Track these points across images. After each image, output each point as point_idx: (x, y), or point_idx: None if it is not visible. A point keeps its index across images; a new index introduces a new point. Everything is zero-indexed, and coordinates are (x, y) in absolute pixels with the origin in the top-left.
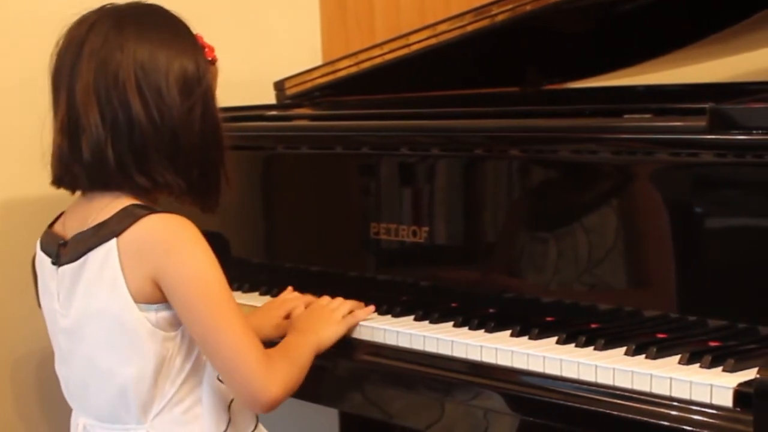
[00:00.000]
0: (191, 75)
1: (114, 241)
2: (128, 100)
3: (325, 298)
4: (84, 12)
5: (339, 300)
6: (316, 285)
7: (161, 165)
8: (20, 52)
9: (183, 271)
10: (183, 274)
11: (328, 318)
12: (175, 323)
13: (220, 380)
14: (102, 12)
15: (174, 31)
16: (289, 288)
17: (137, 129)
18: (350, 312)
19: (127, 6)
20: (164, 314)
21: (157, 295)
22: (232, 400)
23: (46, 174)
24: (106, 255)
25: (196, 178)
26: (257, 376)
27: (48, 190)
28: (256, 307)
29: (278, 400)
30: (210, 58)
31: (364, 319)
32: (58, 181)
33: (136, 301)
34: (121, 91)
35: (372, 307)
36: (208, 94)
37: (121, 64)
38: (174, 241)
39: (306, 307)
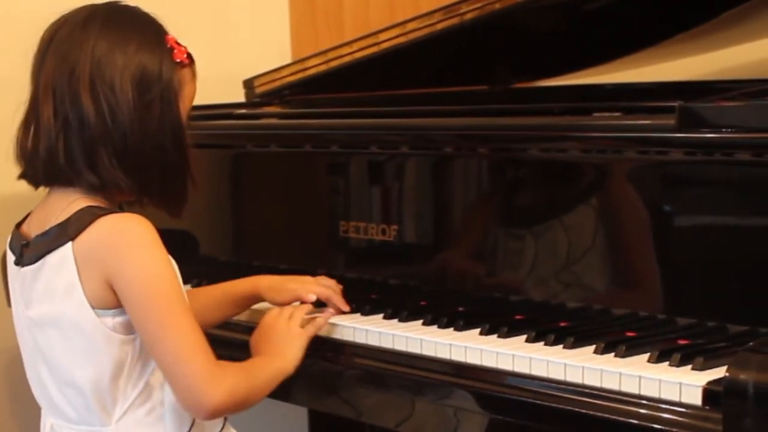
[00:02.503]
0: (150, 74)
1: (69, 245)
2: (80, 97)
3: (274, 309)
4: (64, 12)
5: (290, 309)
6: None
7: (110, 163)
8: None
9: (132, 271)
10: (132, 274)
11: (287, 334)
12: (133, 327)
13: None
14: (77, 10)
15: (140, 31)
16: None
17: (87, 126)
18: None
19: (102, 5)
20: (121, 319)
21: (113, 300)
22: None
23: (17, 170)
24: (62, 259)
25: (154, 180)
26: (200, 380)
27: (19, 186)
28: None
29: (220, 407)
30: (179, 60)
31: (323, 326)
32: (23, 175)
33: (94, 306)
34: (74, 87)
35: (332, 312)
36: (170, 96)
37: (78, 60)
38: (124, 242)
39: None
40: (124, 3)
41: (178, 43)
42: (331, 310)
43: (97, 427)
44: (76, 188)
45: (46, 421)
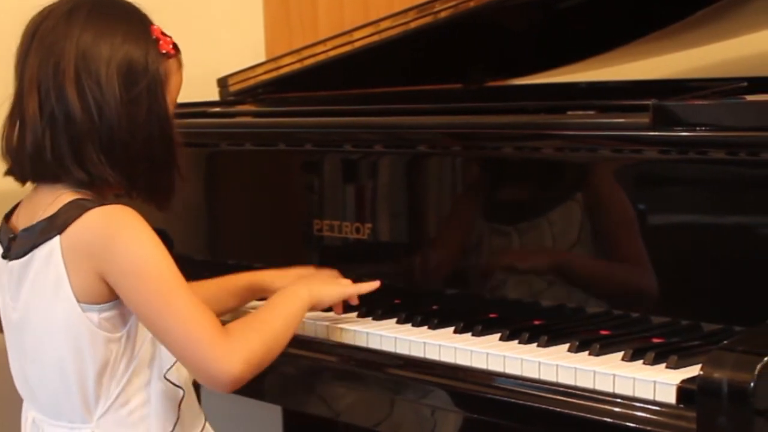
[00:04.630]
0: (136, 66)
1: (57, 238)
2: (65, 91)
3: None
4: (46, 4)
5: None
6: None
7: (97, 158)
8: None
9: (124, 258)
10: (125, 262)
11: (328, 279)
12: (119, 324)
13: (167, 379)
14: (60, 2)
15: (126, 20)
16: None
17: (73, 121)
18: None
19: None
20: (107, 314)
21: (103, 293)
22: (182, 399)
23: (3, 165)
24: (49, 253)
25: (142, 173)
26: (212, 353)
27: (5, 182)
28: None
29: (241, 375)
30: (165, 51)
31: (367, 291)
32: (10, 170)
33: (80, 301)
34: (60, 82)
35: (377, 283)
36: (157, 88)
37: (63, 52)
38: (113, 231)
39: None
40: None
41: (164, 34)
42: (376, 283)
43: (77, 423)
44: (64, 183)
45: (28, 415)
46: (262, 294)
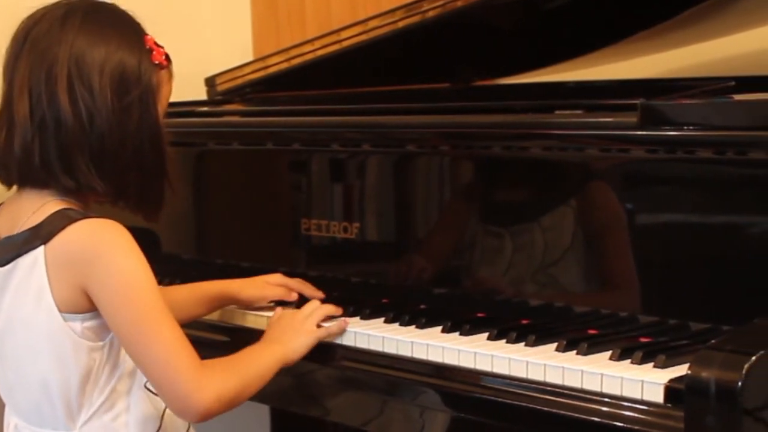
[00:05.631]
0: (129, 75)
1: (42, 249)
2: (57, 98)
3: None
4: (34, 8)
5: (314, 305)
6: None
7: (86, 167)
8: None
9: (110, 277)
10: (111, 281)
11: (299, 328)
12: (102, 333)
13: (147, 388)
14: (53, 6)
15: (120, 29)
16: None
17: (63, 128)
18: (325, 318)
19: (80, 1)
20: (90, 324)
21: (85, 304)
22: (165, 408)
23: None
24: (33, 263)
25: (131, 184)
26: (186, 384)
27: None
28: None
29: (211, 409)
30: (158, 62)
31: (337, 333)
32: None
33: (62, 311)
34: (52, 88)
35: (347, 321)
36: (149, 98)
37: (56, 58)
38: (100, 247)
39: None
40: (101, 0)
41: (157, 44)
42: (346, 319)
43: (60, 431)
44: (50, 190)
45: (10, 420)
46: (231, 302)
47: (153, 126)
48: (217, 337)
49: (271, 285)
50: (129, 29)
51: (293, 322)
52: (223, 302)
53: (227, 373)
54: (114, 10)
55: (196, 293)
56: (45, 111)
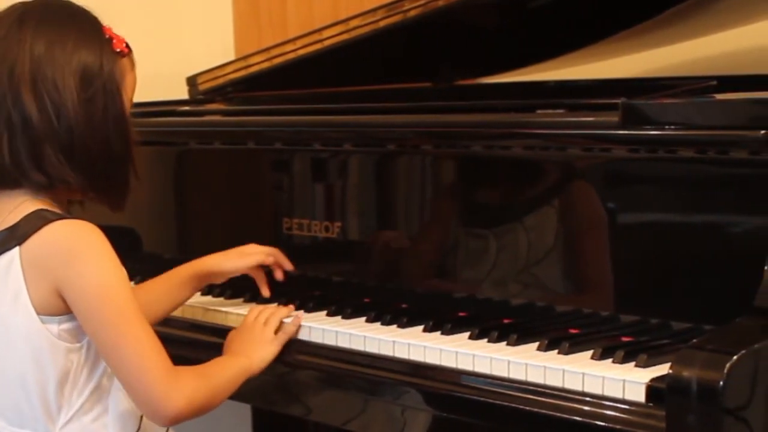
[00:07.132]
0: (91, 68)
1: (17, 249)
2: (22, 97)
3: (255, 309)
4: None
5: (269, 310)
6: (228, 280)
7: (58, 161)
8: None
9: (84, 279)
10: (85, 283)
11: (260, 339)
12: (79, 335)
13: None
14: (9, 8)
15: (77, 25)
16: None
17: (31, 125)
18: (282, 320)
19: (35, 2)
20: (67, 326)
21: (60, 307)
22: None
23: None
24: (9, 264)
25: (100, 173)
26: (158, 387)
27: None
28: None
29: (181, 413)
30: (119, 50)
31: (295, 333)
32: None
33: (39, 313)
34: (15, 88)
35: (300, 316)
36: (112, 87)
37: (17, 59)
38: (75, 249)
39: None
40: None
41: (116, 34)
42: (299, 315)
43: None
44: (24, 189)
45: None
46: (211, 279)
47: (119, 114)
48: (199, 337)
49: (246, 254)
50: (86, 22)
51: (252, 335)
52: (203, 280)
53: (198, 380)
54: (69, 6)
55: (173, 279)
56: (11, 110)
